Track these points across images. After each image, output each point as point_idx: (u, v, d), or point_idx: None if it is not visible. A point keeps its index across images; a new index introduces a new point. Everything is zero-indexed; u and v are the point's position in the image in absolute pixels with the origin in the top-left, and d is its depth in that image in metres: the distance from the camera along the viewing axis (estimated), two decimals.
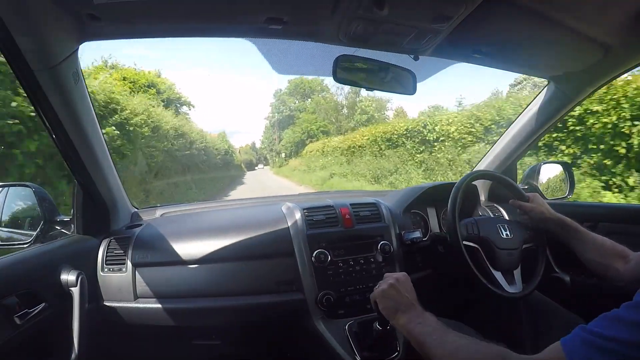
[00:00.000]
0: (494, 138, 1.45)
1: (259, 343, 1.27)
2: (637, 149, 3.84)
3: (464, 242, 0.97)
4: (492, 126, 7.15)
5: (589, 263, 0.84)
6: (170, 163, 7.87)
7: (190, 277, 1.02)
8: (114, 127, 4.80)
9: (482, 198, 1.48)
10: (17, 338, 0.73)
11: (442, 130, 8.23)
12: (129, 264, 1.01)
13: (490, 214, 1.36)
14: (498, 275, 0.96)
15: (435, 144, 8.42)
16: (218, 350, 1.23)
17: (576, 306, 0.96)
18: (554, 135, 4.62)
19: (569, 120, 4.40)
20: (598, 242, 0.84)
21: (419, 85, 1.00)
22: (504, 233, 0.99)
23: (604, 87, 1.15)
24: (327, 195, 1.50)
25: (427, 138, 8.71)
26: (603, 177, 4.16)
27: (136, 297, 1.00)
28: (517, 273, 0.98)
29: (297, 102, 32.99)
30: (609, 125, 4.05)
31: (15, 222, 1.11)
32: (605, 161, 4.15)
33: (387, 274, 0.77)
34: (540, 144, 4.63)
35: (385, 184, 9.35)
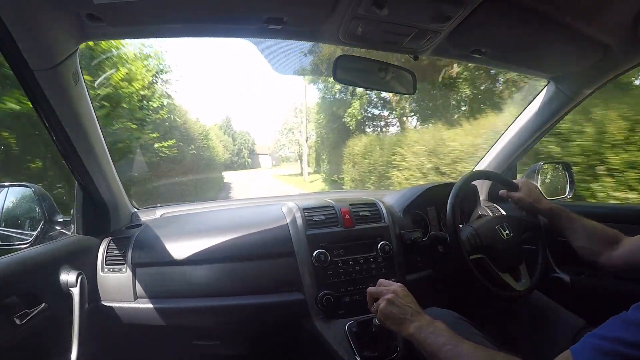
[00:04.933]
0: None
1: (259, 343, 1.27)
2: None
3: (471, 257, 0.96)
4: None
5: (581, 250, 0.84)
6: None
7: (190, 277, 1.02)
8: None
9: (482, 198, 1.48)
10: (17, 338, 0.73)
11: None
12: (129, 264, 1.01)
13: (490, 213, 1.36)
14: (506, 276, 0.96)
15: None
16: (218, 351, 1.23)
17: (576, 306, 0.96)
18: None
19: None
20: (589, 228, 0.84)
21: None
22: (504, 233, 0.99)
23: None
24: (326, 196, 1.50)
25: None
26: None
27: (136, 297, 1.00)
28: (522, 268, 0.99)
29: None
30: None
31: (15, 222, 1.11)
32: None
33: (380, 282, 0.77)
34: None
35: None
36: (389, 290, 0.72)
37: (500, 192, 1.03)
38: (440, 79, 7.11)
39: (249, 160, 39.13)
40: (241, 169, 33.28)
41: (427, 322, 0.64)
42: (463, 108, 7.37)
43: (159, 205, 1.37)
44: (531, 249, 1.04)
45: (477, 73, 6.67)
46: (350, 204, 1.13)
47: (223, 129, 35.17)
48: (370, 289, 0.76)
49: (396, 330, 0.68)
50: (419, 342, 0.62)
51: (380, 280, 0.78)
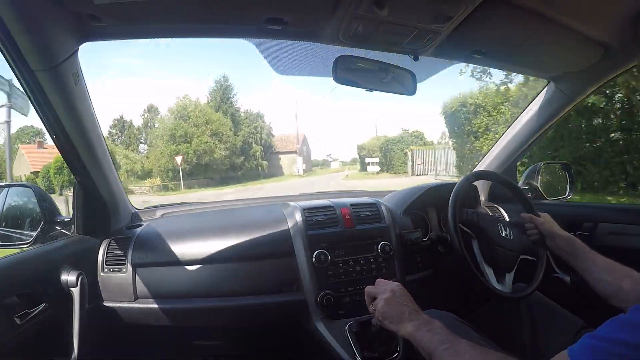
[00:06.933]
0: None
1: (259, 343, 1.27)
2: None
3: (461, 225, 0.96)
4: None
5: (600, 283, 0.81)
6: None
7: (191, 277, 1.02)
8: None
9: (482, 198, 1.48)
10: (17, 338, 0.73)
11: None
12: (129, 264, 1.01)
13: (490, 213, 1.36)
14: (489, 271, 0.96)
15: None
16: (218, 351, 1.23)
17: (576, 307, 0.95)
18: None
19: None
20: (608, 262, 0.82)
21: None
22: (504, 232, 0.99)
23: None
24: (327, 196, 1.50)
25: None
26: None
27: (136, 298, 1.00)
28: (509, 276, 0.98)
29: None
30: None
31: (15, 222, 1.11)
32: None
33: (378, 282, 0.76)
34: None
35: None
36: (386, 289, 0.72)
37: (522, 214, 1.00)
38: None
39: (264, 163, 22.14)
40: (250, 179, 19.33)
41: (424, 321, 0.64)
42: None
43: (159, 205, 1.37)
44: (529, 262, 1.00)
45: None
46: (351, 205, 1.13)
47: (215, 101, 21.19)
48: (368, 288, 0.76)
49: (394, 329, 0.68)
50: (417, 340, 0.62)
51: (378, 280, 0.77)
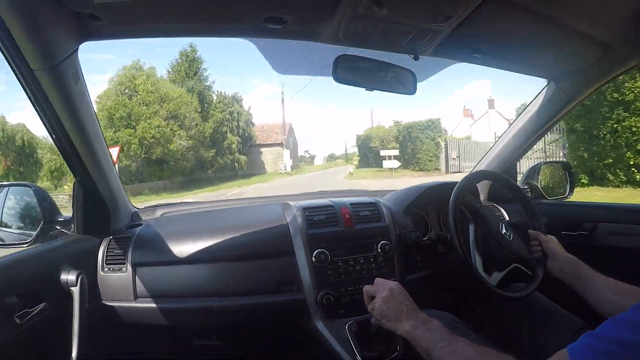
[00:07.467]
0: None
1: (259, 343, 1.27)
2: None
3: (461, 206, 0.96)
4: None
5: (605, 304, 0.78)
6: None
7: (190, 276, 1.02)
8: None
9: (482, 198, 1.47)
10: (17, 338, 0.73)
11: None
12: (129, 263, 1.01)
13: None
14: (478, 260, 0.95)
15: None
16: (218, 351, 1.23)
17: (576, 307, 0.95)
18: None
19: None
20: (610, 281, 0.80)
21: None
22: (504, 230, 0.99)
23: None
24: (327, 195, 1.50)
25: None
26: None
27: (136, 297, 1.00)
28: (497, 274, 0.97)
29: None
30: None
31: (15, 222, 1.11)
32: None
33: (377, 281, 0.76)
34: None
35: None
36: (385, 288, 0.72)
37: (529, 230, 0.99)
38: None
39: (242, 158, 17.81)
40: (224, 180, 15.51)
41: (423, 320, 0.64)
42: None
43: (159, 205, 1.37)
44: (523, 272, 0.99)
45: None
46: (351, 204, 1.13)
47: (177, 75, 16.15)
48: (367, 287, 0.76)
49: (392, 328, 0.68)
50: (415, 339, 0.62)
51: (377, 279, 0.77)
